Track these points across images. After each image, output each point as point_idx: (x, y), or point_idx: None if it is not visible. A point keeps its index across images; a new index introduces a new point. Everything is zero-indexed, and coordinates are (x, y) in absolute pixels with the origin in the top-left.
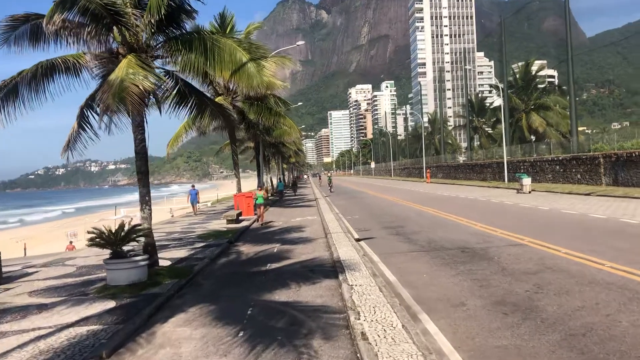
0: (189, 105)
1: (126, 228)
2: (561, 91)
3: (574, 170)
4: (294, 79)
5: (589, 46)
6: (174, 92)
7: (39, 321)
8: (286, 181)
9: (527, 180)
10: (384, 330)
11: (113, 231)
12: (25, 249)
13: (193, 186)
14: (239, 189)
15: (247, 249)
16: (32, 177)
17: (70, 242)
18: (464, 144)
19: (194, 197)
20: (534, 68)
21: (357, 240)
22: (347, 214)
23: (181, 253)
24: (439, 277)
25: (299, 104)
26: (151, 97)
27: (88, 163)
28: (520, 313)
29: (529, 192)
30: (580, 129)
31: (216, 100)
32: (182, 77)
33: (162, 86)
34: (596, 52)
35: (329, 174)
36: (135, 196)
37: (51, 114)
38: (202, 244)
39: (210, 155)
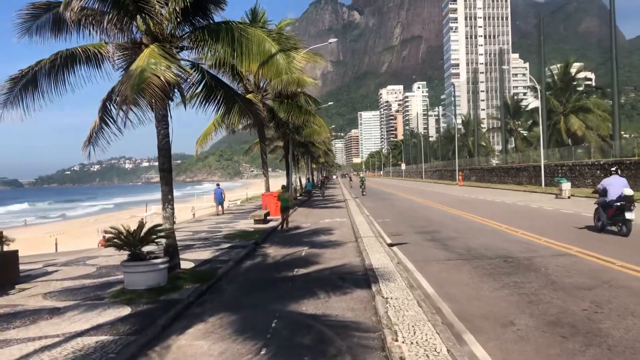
0: (216, 101)
1: (146, 228)
2: (602, 93)
3: None
4: (324, 79)
5: (628, 48)
6: (201, 86)
7: (47, 328)
8: (315, 181)
9: (566, 185)
10: (427, 356)
11: (132, 231)
12: (56, 244)
13: (218, 185)
14: (268, 188)
15: (274, 252)
16: (68, 172)
17: (103, 237)
18: (497, 147)
19: (219, 197)
20: (573, 70)
21: (390, 245)
22: (377, 217)
23: (205, 254)
24: (482, 290)
25: (330, 103)
26: (176, 90)
27: (122, 160)
28: (581, 337)
29: (568, 198)
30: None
31: (247, 96)
32: (210, 71)
33: (188, 79)
34: (635, 55)
35: (361, 175)
36: (160, 194)
37: (85, 112)
38: (227, 245)
39: (241, 154)
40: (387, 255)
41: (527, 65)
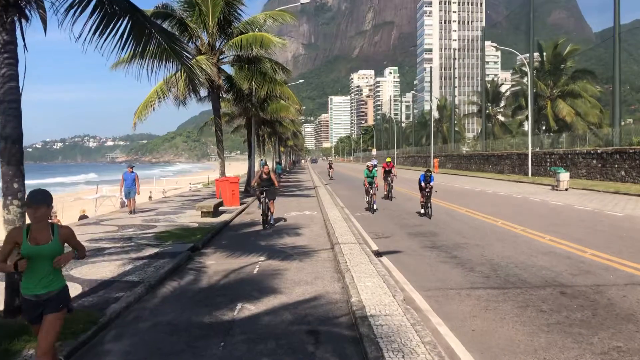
0: (117, 32)
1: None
2: (592, 76)
3: (616, 165)
4: (295, 62)
5: (595, 41)
6: (91, 5)
7: None
8: (284, 165)
9: (564, 176)
10: None
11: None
12: None
13: (131, 168)
14: (223, 172)
15: (216, 264)
16: (30, 150)
17: (56, 217)
18: (468, 134)
19: (130, 185)
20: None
21: (378, 254)
22: (354, 209)
23: (111, 268)
24: None
25: (300, 81)
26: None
27: (87, 138)
28: None
29: (566, 190)
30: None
31: (198, 59)
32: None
33: None
34: (602, 47)
35: (330, 160)
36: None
37: (50, 89)
38: (153, 251)
39: (209, 136)
40: (380, 276)
41: (498, 53)
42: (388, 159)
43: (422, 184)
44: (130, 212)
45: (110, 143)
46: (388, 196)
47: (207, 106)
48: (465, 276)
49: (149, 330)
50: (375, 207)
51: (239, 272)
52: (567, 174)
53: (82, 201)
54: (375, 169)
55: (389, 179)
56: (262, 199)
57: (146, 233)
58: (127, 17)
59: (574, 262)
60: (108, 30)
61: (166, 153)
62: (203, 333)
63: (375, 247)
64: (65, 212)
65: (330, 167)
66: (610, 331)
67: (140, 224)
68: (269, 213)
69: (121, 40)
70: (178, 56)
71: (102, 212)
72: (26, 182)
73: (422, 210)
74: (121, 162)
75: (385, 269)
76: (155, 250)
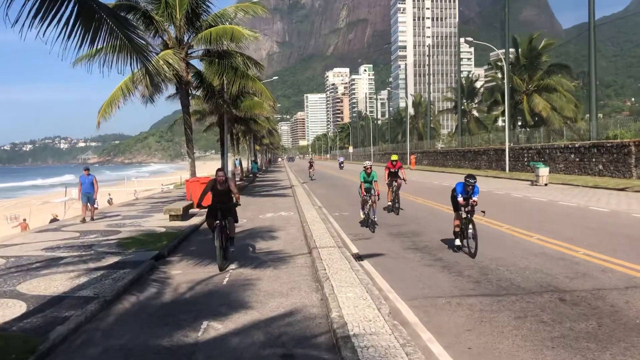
0: (62, 17)
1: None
2: (566, 71)
3: (593, 159)
4: (270, 60)
5: (565, 38)
6: None
7: None
8: (259, 164)
9: (543, 171)
10: None
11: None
12: None
13: (87, 171)
14: (193, 173)
15: (181, 275)
16: None
17: (24, 220)
18: (443, 131)
19: (87, 189)
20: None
21: (358, 258)
22: (332, 209)
23: (63, 281)
24: None
25: (275, 78)
26: None
27: (57, 140)
28: None
29: (545, 185)
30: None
31: (163, 53)
32: None
33: None
34: (572, 44)
35: (310, 158)
36: (100, 176)
37: (21, 89)
38: (113, 260)
39: (182, 135)
40: (365, 288)
41: (472, 50)
42: (394, 157)
43: (460, 198)
44: (82, 221)
45: (82, 144)
46: (392, 207)
47: (180, 105)
48: (453, 281)
49: (99, 357)
50: (375, 219)
51: (207, 282)
52: (547, 169)
53: (50, 205)
54: (375, 171)
55: (395, 184)
56: (216, 229)
57: (109, 240)
58: (72, 0)
59: (568, 263)
60: (51, 16)
61: (139, 153)
62: (161, 359)
63: (355, 250)
64: (33, 216)
65: (311, 166)
66: (621, 345)
67: (104, 230)
68: (227, 242)
69: (67, 27)
70: (131, 42)
71: (70, 215)
72: (5, 184)
73: (458, 242)
74: (93, 164)
75: (368, 276)
76: (116, 259)
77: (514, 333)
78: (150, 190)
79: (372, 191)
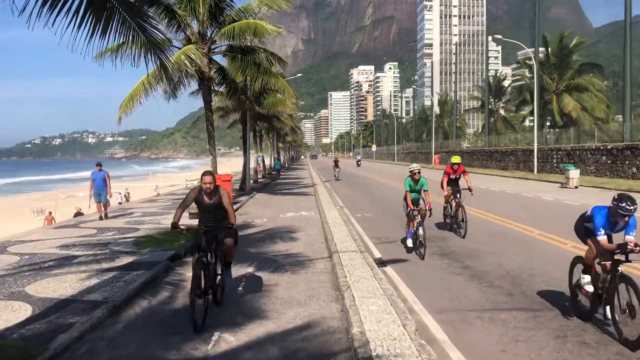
0: (71, 7)
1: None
2: (598, 70)
3: (627, 162)
4: (295, 57)
5: (595, 37)
6: None
7: None
8: (282, 161)
9: (574, 173)
10: None
11: None
12: None
13: (99, 166)
14: (215, 170)
15: None
16: (29, 146)
17: (50, 213)
18: (469, 130)
19: (100, 186)
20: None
21: (381, 263)
22: (354, 210)
23: (72, 284)
24: None
25: (298, 75)
26: None
27: (85, 134)
28: None
29: (575, 187)
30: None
31: (185, 48)
32: None
33: None
34: (602, 43)
35: (335, 156)
36: (127, 170)
37: (48, 85)
38: (128, 260)
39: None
40: (389, 300)
41: (499, 48)
42: (456, 159)
43: (603, 236)
44: (101, 218)
45: (109, 139)
46: (455, 225)
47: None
48: (484, 293)
49: None
50: (423, 239)
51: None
52: (577, 171)
53: (74, 198)
54: (425, 177)
55: (459, 195)
56: (195, 265)
57: (125, 238)
58: None
59: None
60: (61, 3)
61: (165, 149)
62: None
63: (378, 255)
64: (59, 210)
65: (336, 166)
66: None
67: (122, 227)
68: (218, 277)
69: (77, 16)
70: (144, 33)
71: (94, 209)
72: (35, 177)
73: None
74: (120, 158)
75: (391, 285)
76: (131, 259)
77: (554, 357)
78: (174, 185)
79: (422, 203)
